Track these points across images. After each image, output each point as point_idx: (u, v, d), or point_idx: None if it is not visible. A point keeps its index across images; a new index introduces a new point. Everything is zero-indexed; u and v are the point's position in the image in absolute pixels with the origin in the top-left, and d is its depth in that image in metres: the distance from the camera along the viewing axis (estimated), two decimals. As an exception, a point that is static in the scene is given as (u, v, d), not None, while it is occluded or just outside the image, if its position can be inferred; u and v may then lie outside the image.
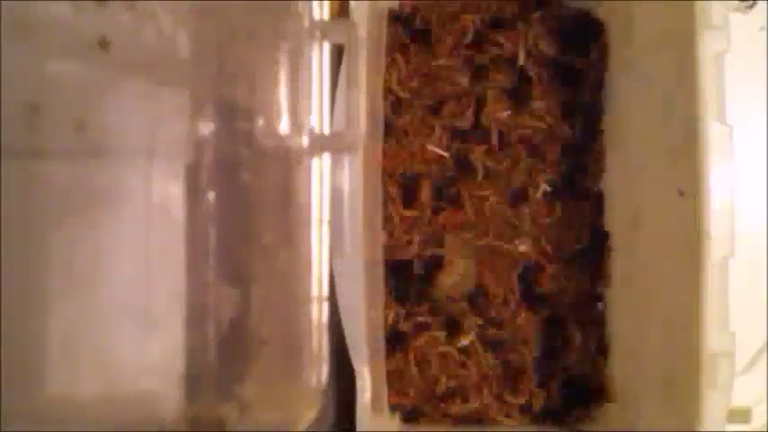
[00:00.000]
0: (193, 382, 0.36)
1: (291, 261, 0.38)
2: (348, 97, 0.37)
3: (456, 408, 0.45)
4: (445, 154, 0.46)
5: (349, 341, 0.37)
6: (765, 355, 0.46)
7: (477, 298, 0.46)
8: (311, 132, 0.39)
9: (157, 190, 0.36)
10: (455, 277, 0.45)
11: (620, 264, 0.45)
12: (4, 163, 0.32)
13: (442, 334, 0.45)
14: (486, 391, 0.45)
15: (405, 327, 0.45)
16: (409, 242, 0.46)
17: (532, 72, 0.47)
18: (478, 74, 0.47)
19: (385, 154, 0.44)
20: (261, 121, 0.38)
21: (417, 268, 0.46)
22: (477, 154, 0.46)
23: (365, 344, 0.37)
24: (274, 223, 0.39)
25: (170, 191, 0.36)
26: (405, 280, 0.46)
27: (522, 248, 0.46)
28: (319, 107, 0.39)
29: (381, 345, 0.43)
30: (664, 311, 0.39)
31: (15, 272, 0.32)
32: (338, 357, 0.39)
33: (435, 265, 0.46)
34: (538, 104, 0.47)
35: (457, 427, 0.45)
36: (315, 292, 0.39)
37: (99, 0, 0.34)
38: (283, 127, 0.39)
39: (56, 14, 0.33)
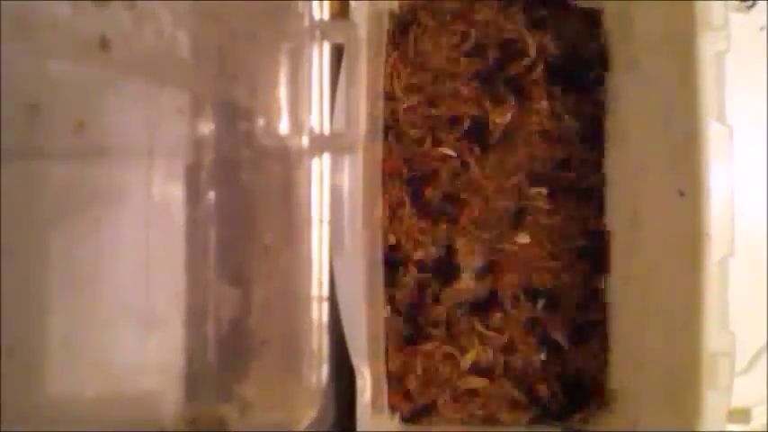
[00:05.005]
0: (193, 382, 0.36)
1: (291, 261, 0.38)
2: (348, 97, 0.37)
3: (456, 408, 0.45)
4: (453, 153, 0.46)
5: (349, 341, 0.37)
6: (765, 356, 0.46)
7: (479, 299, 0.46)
8: (311, 132, 0.39)
9: (157, 190, 0.36)
10: (464, 285, 0.45)
11: (620, 264, 0.45)
12: (4, 163, 0.32)
13: (441, 333, 0.45)
14: (485, 390, 0.45)
15: (405, 328, 0.45)
16: (417, 245, 0.46)
17: (533, 71, 0.47)
18: (479, 73, 0.47)
19: (385, 154, 0.44)
20: (261, 121, 0.38)
21: (428, 272, 0.46)
22: (478, 154, 0.46)
23: (365, 344, 0.37)
24: (274, 223, 0.39)
25: (170, 191, 0.36)
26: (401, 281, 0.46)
27: (522, 240, 0.46)
28: (319, 107, 0.39)
29: (381, 345, 0.43)
30: (664, 311, 0.39)
31: (15, 272, 0.32)
32: (338, 357, 0.39)
33: (448, 273, 0.46)
34: (539, 104, 0.47)
35: (457, 427, 0.45)
36: (315, 292, 0.39)
37: (99, 0, 0.34)
38: (283, 127, 0.39)
39: (56, 14, 0.33)
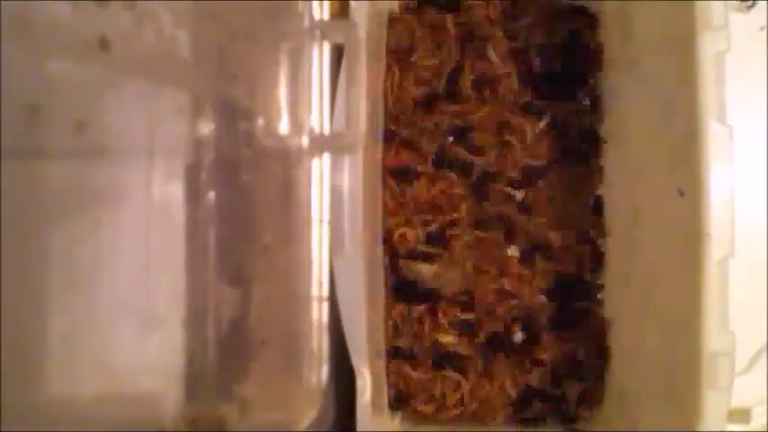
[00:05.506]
0: (193, 382, 0.36)
1: (291, 261, 0.38)
2: (348, 97, 0.37)
3: (456, 408, 0.45)
4: (452, 153, 0.46)
5: (349, 341, 0.37)
6: (765, 356, 0.46)
7: (476, 297, 0.46)
8: (311, 132, 0.39)
9: (157, 190, 0.36)
10: (450, 275, 0.45)
11: (619, 264, 0.45)
12: (4, 163, 0.32)
13: (443, 335, 0.45)
14: (486, 391, 0.45)
15: (406, 328, 0.45)
16: (405, 240, 0.46)
17: (531, 72, 0.47)
18: (477, 73, 0.47)
19: (384, 154, 0.44)
20: (261, 121, 0.38)
21: (414, 264, 0.46)
22: (476, 154, 0.46)
23: (365, 344, 0.37)
24: (274, 223, 0.39)
25: (170, 191, 0.36)
26: (405, 279, 0.46)
27: (511, 253, 0.46)
28: (319, 107, 0.39)
29: (381, 344, 0.43)
30: (664, 311, 0.39)
31: (15, 272, 0.32)
32: (338, 357, 0.39)
33: (430, 260, 0.46)
34: (536, 104, 0.47)
35: (457, 427, 0.45)
36: (315, 292, 0.39)
37: (99, 0, 0.34)
38: (283, 127, 0.39)
39: (56, 14, 0.33)
